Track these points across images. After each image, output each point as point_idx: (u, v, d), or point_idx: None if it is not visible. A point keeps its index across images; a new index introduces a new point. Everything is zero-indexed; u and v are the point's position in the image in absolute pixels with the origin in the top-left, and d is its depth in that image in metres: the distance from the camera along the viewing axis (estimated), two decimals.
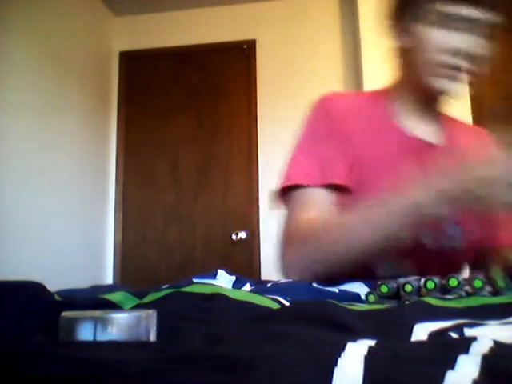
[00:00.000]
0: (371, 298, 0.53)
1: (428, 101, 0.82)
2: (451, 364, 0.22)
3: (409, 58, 0.80)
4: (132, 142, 3.12)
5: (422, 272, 0.59)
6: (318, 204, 0.73)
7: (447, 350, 0.23)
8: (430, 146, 0.80)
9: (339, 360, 0.23)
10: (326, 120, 0.79)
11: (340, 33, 2.97)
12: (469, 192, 0.57)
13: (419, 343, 0.29)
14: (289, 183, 0.75)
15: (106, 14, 3.18)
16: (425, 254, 0.73)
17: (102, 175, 3.02)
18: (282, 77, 2.92)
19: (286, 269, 0.74)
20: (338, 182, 0.74)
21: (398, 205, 0.63)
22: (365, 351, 0.24)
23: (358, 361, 0.23)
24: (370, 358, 0.23)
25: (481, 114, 2.49)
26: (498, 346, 0.22)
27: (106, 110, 3.12)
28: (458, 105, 2.55)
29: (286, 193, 0.77)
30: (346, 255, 0.66)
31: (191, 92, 3.08)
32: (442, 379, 0.20)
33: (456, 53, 0.72)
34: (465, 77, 0.74)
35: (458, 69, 0.73)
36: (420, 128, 0.82)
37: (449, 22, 0.72)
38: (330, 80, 2.86)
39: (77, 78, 2.76)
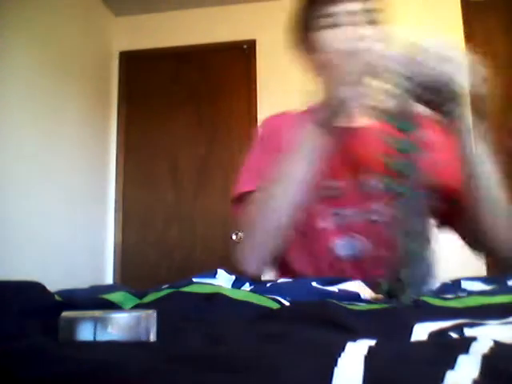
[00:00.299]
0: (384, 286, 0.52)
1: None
2: (451, 364, 0.22)
3: (317, 72, 0.82)
4: (132, 142, 3.12)
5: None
6: None
7: (447, 350, 0.23)
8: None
9: (339, 360, 0.23)
10: (264, 141, 0.88)
11: None
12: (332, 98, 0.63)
13: (419, 343, 0.29)
14: (238, 191, 0.84)
15: (106, 14, 3.18)
16: (340, 263, 0.79)
17: (101, 175, 3.02)
18: (281, 77, 2.92)
19: (242, 266, 0.77)
20: None
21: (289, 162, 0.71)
22: (365, 351, 0.24)
23: (358, 361, 0.23)
24: (370, 358, 0.23)
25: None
26: (498, 346, 0.22)
27: (106, 110, 3.12)
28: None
29: (239, 201, 0.83)
30: (277, 222, 0.72)
31: (191, 92, 3.08)
32: (442, 379, 0.20)
33: (351, 52, 0.70)
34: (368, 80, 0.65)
35: (356, 73, 0.63)
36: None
37: (334, 20, 0.77)
38: None
39: (77, 77, 2.76)
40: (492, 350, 0.21)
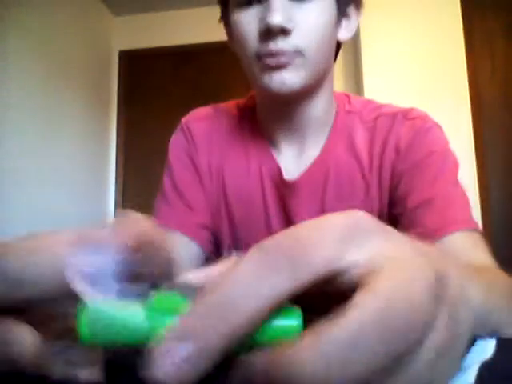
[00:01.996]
0: None
1: (280, 107, 0.63)
2: None
3: (239, 56, 0.63)
4: (132, 142, 3.12)
5: None
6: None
7: None
8: (286, 184, 0.65)
9: None
10: (188, 152, 0.70)
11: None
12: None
13: None
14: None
15: (105, 14, 3.17)
16: None
17: (101, 175, 3.02)
18: None
19: None
20: (194, 232, 0.65)
21: None
22: None
23: None
24: None
25: (480, 113, 2.49)
26: (496, 351, 0.22)
27: (106, 109, 3.12)
28: (458, 105, 2.55)
29: None
30: None
31: (191, 91, 3.08)
32: None
33: (261, 32, 0.55)
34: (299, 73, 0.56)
35: (271, 53, 0.55)
36: (286, 153, 0.67)
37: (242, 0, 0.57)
38: None
39: (76, 77, 2.75)
40: (490, 359, 0.21)
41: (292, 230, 0.16)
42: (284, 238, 0.15)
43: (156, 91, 3.14)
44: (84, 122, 2.83)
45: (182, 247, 0.63)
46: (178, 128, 0.73)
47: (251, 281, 0.14)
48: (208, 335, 0.14)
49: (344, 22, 0.62)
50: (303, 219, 0.62)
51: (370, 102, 0.69)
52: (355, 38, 2.74)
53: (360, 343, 0.13)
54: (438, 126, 0.63)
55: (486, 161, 2.46)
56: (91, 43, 2.99)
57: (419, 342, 0.14)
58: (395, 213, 0.59)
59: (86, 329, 0.16)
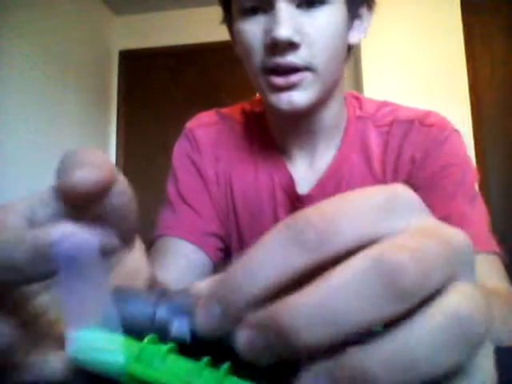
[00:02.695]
0: None
1: (290, 118, 0.60)
2: None
3: (244, 64, 0.59)
4: (131, 142, 3.12)
5: None
6: (180, 256, 0.62)
7: None
8: (299, 197, 0.62)
9: None
10: (193, 159, 0.67)
11: None
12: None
13: None
14: (159, 233, 0.65)
15: (105, 14, 3.17)
16: None
17: None
18: None
19: None
20: (202, 239, 0.63)
21: None
22: None
23: None
24: None
25: (480, 116, 2.49)
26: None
27: (106, 109, 3.12)
28: (459, 106, 2.55)
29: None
30: None
31: (191, 91, 3.08)
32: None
33: (267, 45, 0.51)
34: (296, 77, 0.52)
35: (275, 69, 0.52)
36: (297, 163, 0.64)
37: (245, 4, 0.53)
38: None
39: (77, 76, 2.75)
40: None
41: (322, 202, 0.16)
42: (313, 209, 0.15)
43: (156, 91, 3.14)
44: (84, 122, 2.83)
45: (190, 256, 0.61)
46: (182, 134, 0.69)
47: (275, 251, 0.15)
48: (230, 300, 0.15)
49: (356, 24, 0.58)
50: None
51: (384, 104, 0.65)
52: None
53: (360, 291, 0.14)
54: (457, 133, 0.59)
55: (485, 161, 2.46)
56: (91, 43, 2.99)
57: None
58: None
59: (73, 355, 0.17)
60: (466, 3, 2.56)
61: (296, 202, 0.63)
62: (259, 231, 0.63)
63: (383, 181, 0.60)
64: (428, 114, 0.61)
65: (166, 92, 3.12)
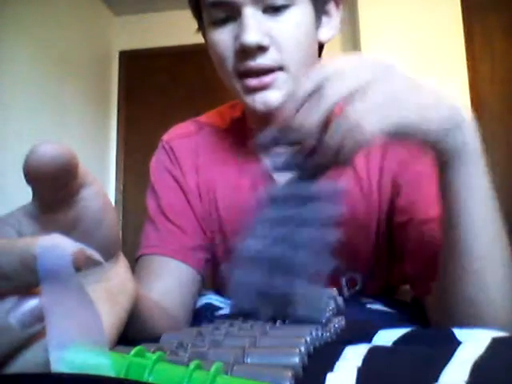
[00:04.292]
0: None
1: (266, 120, 0.57)
2: (442, 369, 0.22)
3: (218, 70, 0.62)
4: (132, 142, 3.12)
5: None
6: (166, 272, 0.60)
7: (438, 355, 0.23)
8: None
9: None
10: (172, 172, 0.66)
11: (339, 32, 2.97)
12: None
13: (408, 350, 0.29)
14: (139, 253, 0.65)
15: (106, 14, 3.17)
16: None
17: (102, 175, 3.02)
18: None
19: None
20: (184, 253, 0.62)
21: None
22: (360, 359, 0.24)
23: (352, 368, 0.23)
24: (363, 368, 0.23)
25: (480, 114, 2.49)
26: (488, 353, 0.22)
27: (106, 110, 3.12)
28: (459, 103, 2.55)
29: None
30: None
31: (191, 91, 3.08)
32: (436, 379, 0.21)
33: (238, 51, 0.53)
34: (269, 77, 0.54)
35: (248, 73, 0.54)
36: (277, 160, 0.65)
37: (213, 14, 0.55)
38: None
39: (77, 77, 2.76)
40: (482, 357, 0.21)
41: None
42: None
43: (156, 91, 3.14)
44: (84, 122, 2.83)
45: (177, 273, 0.60)
46: (159, 147, 0.69)
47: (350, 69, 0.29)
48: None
49: (324, 21, 0.59)
50: None
51: None
52: (355, 38, 2.75)
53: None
54: None
55: (485, 161, 2.46)
56: (91, 43, 2.99)
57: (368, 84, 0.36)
58: (399, 221, 0.56)
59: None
60: (466, 2, 2.56)
61: None
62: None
63: (367, 172, 0.60)
64: None
65: (166, 92, 3.12)
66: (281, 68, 0.53)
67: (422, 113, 0.37)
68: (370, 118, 0.35)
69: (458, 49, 2.51)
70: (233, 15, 0.53)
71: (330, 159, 0.36)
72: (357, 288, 0.61)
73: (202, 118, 0.72)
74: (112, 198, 3.07)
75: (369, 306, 0.58)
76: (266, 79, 0.53)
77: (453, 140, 0.39)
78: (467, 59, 2.51)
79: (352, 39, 2.83)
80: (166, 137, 0.70)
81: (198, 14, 0.61)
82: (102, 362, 0.17)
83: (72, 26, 2.72)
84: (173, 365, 0.17)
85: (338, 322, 0.36)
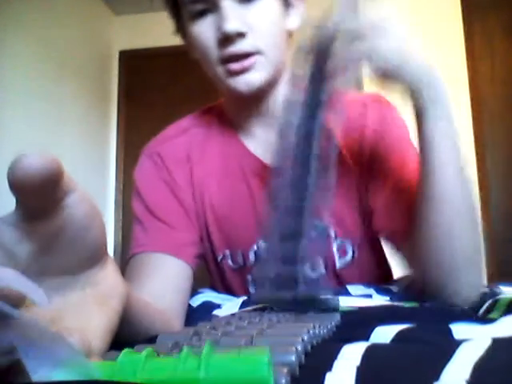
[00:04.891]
0: None
1: (248, 99, 0.65)
2: (443, 367, 0.22)
3: (202, 63, 0.67)
4: (132, 142, 3.12)
5: None
6: (159, 270, 0.61)
7: (439, 353, 0.23)
8: (267, 168, 0.63)
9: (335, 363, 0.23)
10: (159, 175, 0.69)
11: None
12: None
13: (409, 347, 0.29)
14: (131, 252, 0.65)
15: (106, 14, 3.17)
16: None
17: (102, 175, 3.02)
18: None
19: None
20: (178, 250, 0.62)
21: None
22: (358, 357, 0.24)
23: (351, 367, 0.23)
24: (363, 364, 0.23)
25: (481, 113, 2.49)
26: (489, 353, 0.22)
27: (106, 110, 3.12)
28: (458, 105, 2.55)
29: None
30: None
31: (191, 91, 3.08)
32: (437, 379, 0.20)
33: (219, 39, 0.59)
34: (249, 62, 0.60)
35: (230, 58, 0.59)
36: (262, 140, 0.68)
37: (192, 8, 0.61)
38: None
39: (77, 76, 2.76)
40: (483, 358, 0.21)
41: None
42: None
43: (156, 91, 3.14)
44: (84, 122, 2.83)
45: (169, 267, 0.60)
46: (142, 158, 0.72)
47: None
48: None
49: (291, 12, 0.66)
50: None
51: None
52: None
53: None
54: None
55: (486, 161, 2.46)
56: (91, 43, 2.99)
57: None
58: (377, 182, 0.63)
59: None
60: (467, 3, 2.55)
61: (267, 175, 0.62)
62: (237, 217, 0.67)
63: (345, 143, 0.64)
64: (375, 94, 0.69)
65: (166, 92, 3.12)
66: (258, 52, 0.59)
67: (404, 59, 0.52)
68: (377, 47, 0.52)
69: (458, 49, 2.51)
70: (210, 8, 0.59)
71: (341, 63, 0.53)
72: (347, 257, 0.64)
73: (184, 122, 0.77)
74: (112, 198, 3.07)
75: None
76: (247, 62, 0.59)
77: (427, 90, 0.53)
78: (467, 59, 2.51)
79: None
80: (150, 144, 0.75)
81: (175, 13, 0.68)
82: (90, 372, 0.16)
83: (72, 26, 2.72)
84: (163, 357, 0.17)
85: (334, 318, 0.36)
